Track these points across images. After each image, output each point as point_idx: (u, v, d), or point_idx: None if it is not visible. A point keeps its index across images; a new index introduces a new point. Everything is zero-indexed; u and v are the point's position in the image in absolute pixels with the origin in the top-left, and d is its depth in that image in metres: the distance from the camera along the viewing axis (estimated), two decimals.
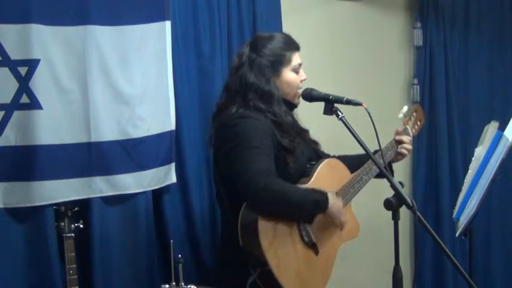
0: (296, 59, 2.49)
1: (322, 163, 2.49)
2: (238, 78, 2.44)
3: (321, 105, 2.36)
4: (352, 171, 2.59)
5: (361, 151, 2.24)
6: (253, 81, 2.41)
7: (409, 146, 2.75)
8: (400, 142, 2.74)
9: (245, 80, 2.42)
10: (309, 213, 2.31)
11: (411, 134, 2.82)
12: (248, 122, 2.33)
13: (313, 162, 2.51)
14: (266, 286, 2.28)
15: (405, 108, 2.83)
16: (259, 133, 2.31)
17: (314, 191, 2.33)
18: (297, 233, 2.33)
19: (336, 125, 2.32)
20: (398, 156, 2.76)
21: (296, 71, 2.49)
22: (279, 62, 2.45)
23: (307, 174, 2.45)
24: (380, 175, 2.51)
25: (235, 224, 2.29)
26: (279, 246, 2.26)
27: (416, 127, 2.89)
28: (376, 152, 2.42)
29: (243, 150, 2.27)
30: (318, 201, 2.30)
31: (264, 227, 2.23)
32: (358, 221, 2.64)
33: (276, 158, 2.33)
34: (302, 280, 2.34)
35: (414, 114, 2.89)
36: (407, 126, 2.82)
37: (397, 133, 2.76)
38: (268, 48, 2.44)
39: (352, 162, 2.62)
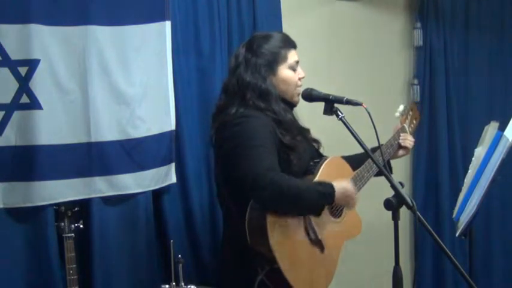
0: (292, 56, 2.48)
1: (326, 161, 2.49)
2: (235, 78, 2.44)
3: (321, 105, 2.36)
4: (353, 170, 2.59)
5: (361, 151, 2.24)
6: (249, 81, 2.41)
7: (411, 142, 2.76)
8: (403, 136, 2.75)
9: (242, 80, 2.42)
10: (315, 206, 2.31)
11: (408, 132, 2.82)
12: (250, 121, 2.33)
13: (316, 160, 2.51)
14: (274, 284, 2.28)
15: (401, 107, 2.83)
16: (261, 131, 2.31)
17: (319, 183, 2.34)
18: (303, 231, 2.34)
19: (336, 125, 2.32)
20: (400, 151, 2.76)
21: (293, 68, 2.49)
22: (274, 60, 2.44)
23: (311, 172, 2.45)
24: (380, 173, 2.53)
25: (240, 224, 2.28)
26: (287, 244, 2.27)
27: (412, 125, 2.89)
28: (375, 149, 2.42)
29: (247, 149, 2.26)
30: (324, 193, 2.30)
31: (272, 225, 2.22)
32: (361, 219, 2.64)
33: (279, 156, 2.33)
34: (309, 277, 2.35)
35: (410, 112, 2.89)
36: (405, 125, 2.82)
37: (397, 129, 2.77)
38: (264, 48, 2.44)
39: (352, 163, 2.61)
